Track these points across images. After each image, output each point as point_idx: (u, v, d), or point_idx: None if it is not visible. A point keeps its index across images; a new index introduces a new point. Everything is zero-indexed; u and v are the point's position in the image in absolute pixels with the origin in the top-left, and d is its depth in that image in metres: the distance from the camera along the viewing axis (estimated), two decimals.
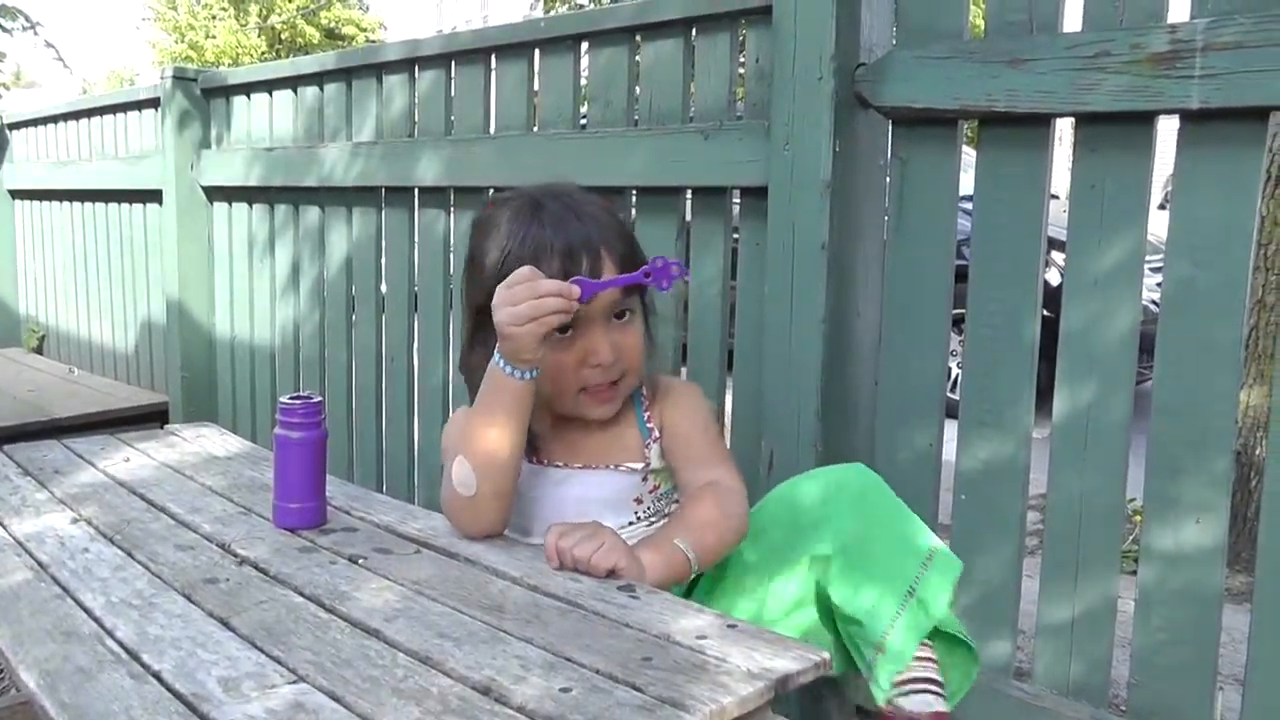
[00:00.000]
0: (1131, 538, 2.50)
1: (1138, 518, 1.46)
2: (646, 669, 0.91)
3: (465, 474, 1.25)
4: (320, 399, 1.37)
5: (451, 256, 2.39)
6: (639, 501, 1.40)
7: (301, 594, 1.14)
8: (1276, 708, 1.35)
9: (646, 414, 1.42)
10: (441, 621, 1.04)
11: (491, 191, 2.26)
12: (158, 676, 0.94)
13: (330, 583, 1.17)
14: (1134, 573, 1.47)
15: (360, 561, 1.24)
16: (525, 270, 1.18)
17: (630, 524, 1.39)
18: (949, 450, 1.61)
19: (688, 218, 1.92)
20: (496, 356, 1.22)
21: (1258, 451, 2.82)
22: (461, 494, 1.26)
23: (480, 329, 1.33)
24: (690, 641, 0.97)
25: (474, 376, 1.33)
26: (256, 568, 1.23)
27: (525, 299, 1.16)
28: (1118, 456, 1.46)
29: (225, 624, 1.06)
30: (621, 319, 1.32)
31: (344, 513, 1.43)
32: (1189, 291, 1.39)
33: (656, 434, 1.41)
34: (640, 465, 1.40)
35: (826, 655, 0.95)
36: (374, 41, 22.16)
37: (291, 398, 1.37)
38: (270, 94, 2.91)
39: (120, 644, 1.01)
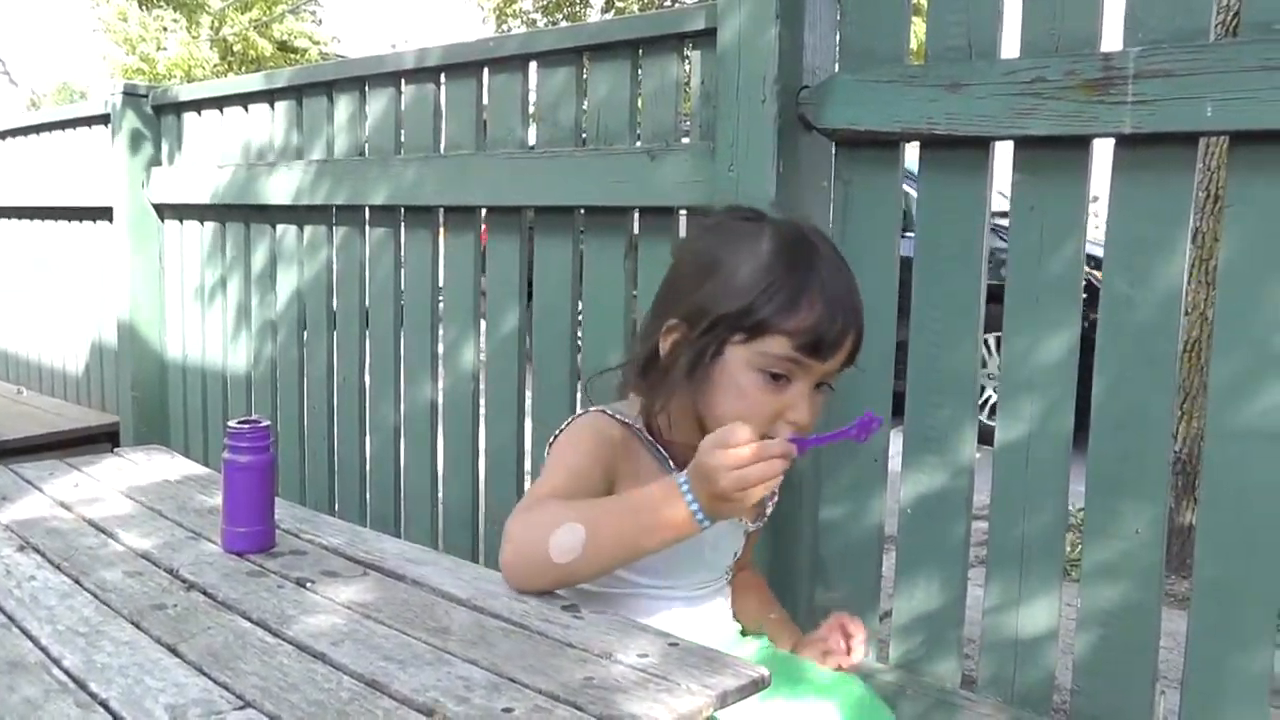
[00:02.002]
0: (1077, 549, 2.54)
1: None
2: (588, 688, 0.93)
3: (572, 546, 1.12)
4: (268, 423, 1.38)
5: (402, 275, 2.40)
6: (734, 556, 1.39)
7: (249, 619, 1.14)
8: (1213, 709, 1.39)
9: None
10: (387, 644, 1.05)
11: (441, 211, 2.27)
12: (105, 705, 0.94)
13: (278, 607, 1.17)
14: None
15: (308, 585, 1.24)
16: (745, 431, 1.07)
17: (718, 578, 1.37)
18: (896, 463, 1.65)
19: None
20: (687, 493, 1.10)
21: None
22: (551, 555, 1.13)
23: (694, 332, 1.22)
24: (632, 660, 0.98)
25: (664, 379, 1.25)
26: (205, 593, 1.23)
27: (752, 460, 1.06)
28: (1060, 469, 1.50)
29: (173, 650, 1.06)
30: (819, 389, 1.24)
31: (293, 535, 1.44)
32: (1125, 309, 1.43)
33: None
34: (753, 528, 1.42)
35: (766, 672, 0.97)
36: (327, 55, 22.02)
37: (239, 422, 1.37)
38: (221, 111, 2.90)
39: (67, 673, 1.01)
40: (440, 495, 2.35)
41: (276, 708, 0.92)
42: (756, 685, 0.95)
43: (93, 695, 0.96)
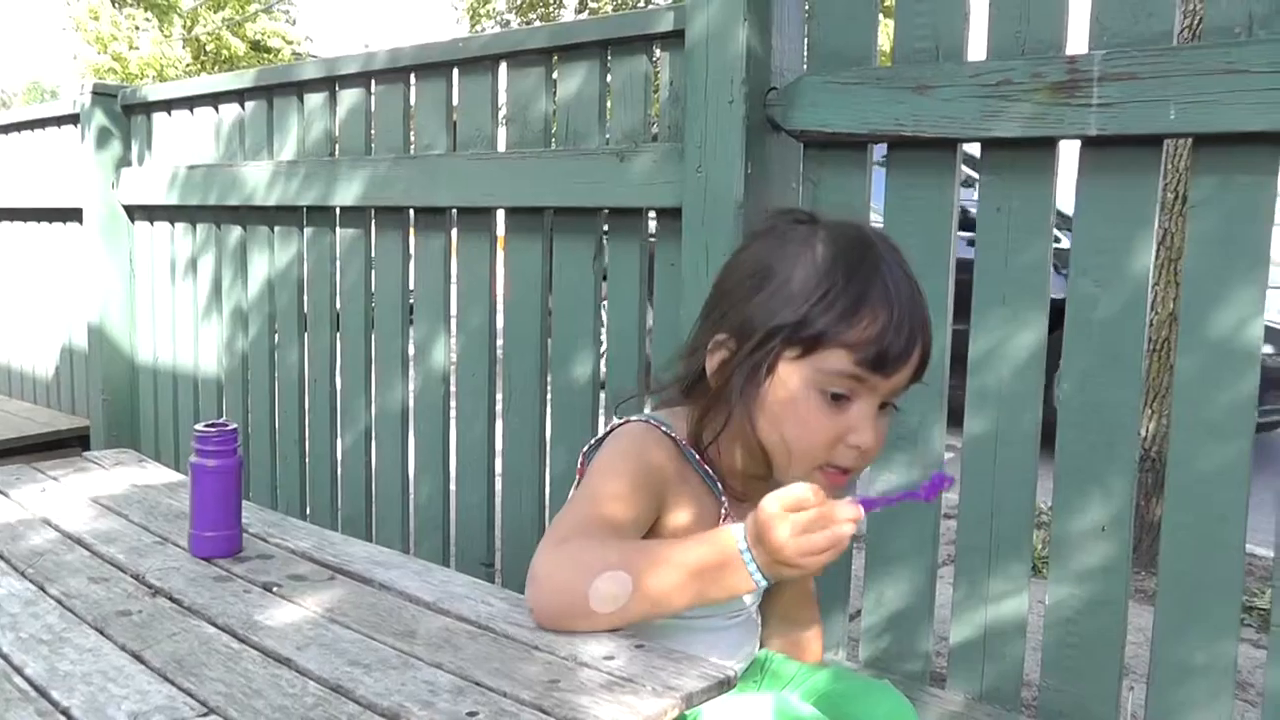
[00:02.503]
0: (1046, 546, 2.56)
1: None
2: (553, 691, 0.93)
3: (615, 595, 1.03)
4: (235, 427, 1.37)
5: (372, 276, 2.39)
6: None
7: (215, 624, 1.14)
8: (1178, 703, 1.40)
9: None
10: (353, 649, 1.05)
11: (411, 212, 2.26)
12: (66, 713, 0.93)
13: (244, 612, 1.17)
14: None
15: (275, 589, 1.24)
16: (810, 493, 0.99)
17: (751, 605, 1.28)
18: None
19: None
20: (750, 561, 1.01)
21: None
22: (591, 604, 1.04)
23: (745, 348, 1.12)
24: (598, 663, 0.99)
25: (715, 400, 1.15)
26: (171, 598, 1.22)
27: (820, 527, 0.98)
28: (1028, 467, 1.51)
29: (137, 657, 1.06)
30: (884, 409, 1.13)
31: (260, 539, 1.43)
32: (1091, 308, 1.44)
33: None
34: None
35: (732, 673, 0.97)
36: (301, 55, 21.88)
37: (207, 425, 1.36)
38: (192, 111, 2.88)
39: (29, 681, 1.00)
40: (411, 497, 2.35)
41: (240, 714, 0.92)
42: (723, 685, 0.95)
43: (54, 703, 0.95)
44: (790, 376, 1.09)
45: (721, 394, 1.13)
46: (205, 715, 0.93)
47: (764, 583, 1.01)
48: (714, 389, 1.15)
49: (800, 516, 0.98)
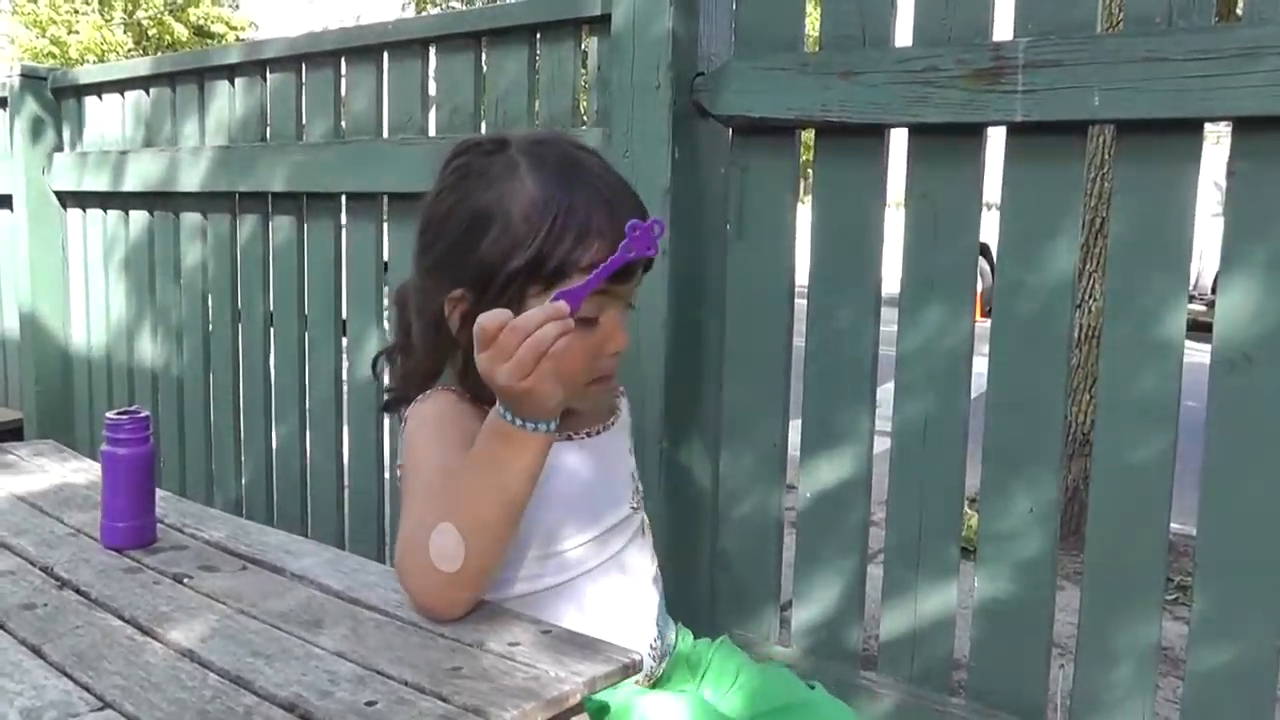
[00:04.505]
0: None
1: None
2: (454, 678, 0.92)
3: (451, 546, 1.00)
4: (147, 414, 1.34)
5: (306, 263, 2.36)
6: (634, 480, 1.29)
7: (121, 617, 1.11)
8: (1103, 679, 1.42)
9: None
10: (257, 639, 1.03)
11: (344, 198, 2.23)
12: None
13: (151, 604, 1.14)
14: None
15: (185, 580, 1.21)
16: (495, 318, 0.96)
17: (624, 516, 1.24)
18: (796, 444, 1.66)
19: None
20: (502, 411, 1.00)
21: None
22: (441, 569, 1.01)
23: (485, 297, 1.09)
24: (502, 649, 0.98)
25: (467, 357, 1.09)
26: (78, 591, 1.20)
27: (516, 343, 0.95)
28: (956, 453, 1.52)
29: (36, 651, 1.03)
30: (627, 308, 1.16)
31: (176, 530, 1.40)
32: (1018, 293, 1.45)
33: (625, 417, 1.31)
34: (622, 423, 1.29)
35: (637, 656, 0.96)
36: (243, 41, 21.53)
37: (118, 413, 1.33)
38: (123, 95, 2.82)
39: None
40: (346, 487, 2.32)
41: (136, 708, 0.90)
42: (627, 670, 0.94)
43: None
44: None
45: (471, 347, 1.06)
46: (100, 710, 0.91)
47: (532, 425, 0.99)
48: (465, 345, 1.09)
49: (493, 349, 0.96)
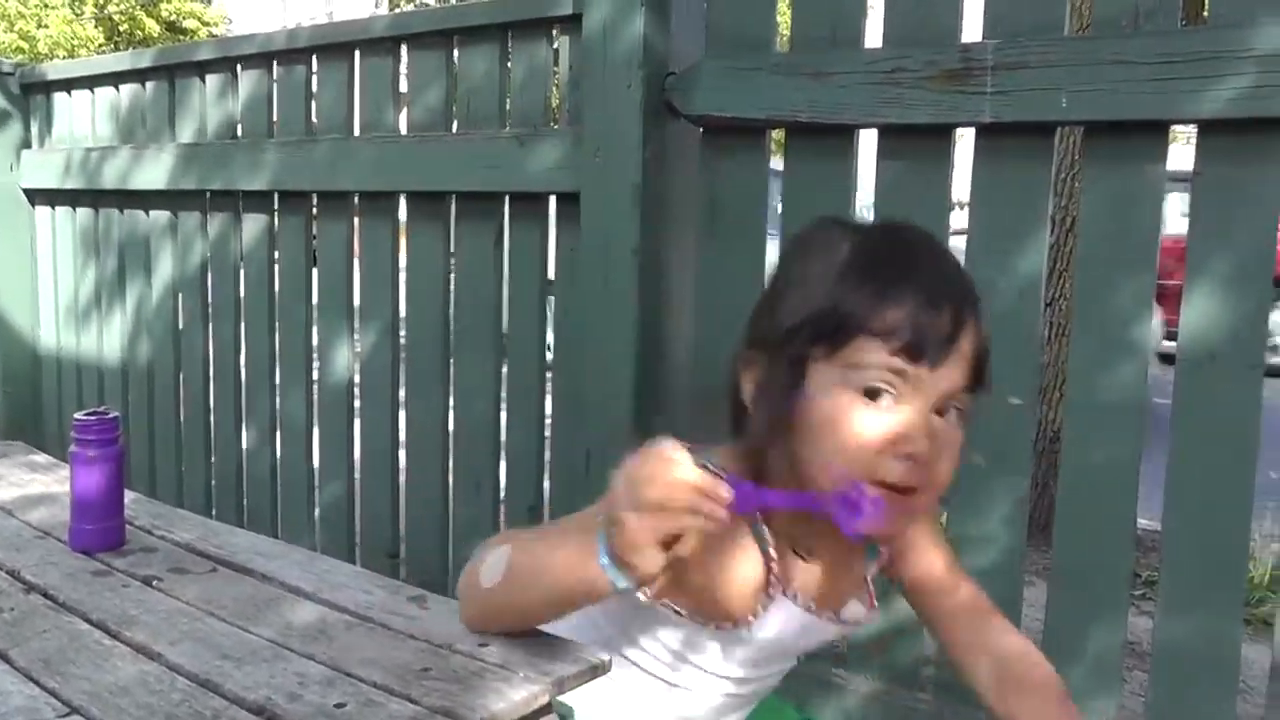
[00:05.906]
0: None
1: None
2: (424, 679, 0.92)
3: (497, 570, 0.94)
4: (116, 414, 1.33)
5: (276, 263, 2.34)
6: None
7: (89, 620, 1.10)
8: (1068, 675, 1.43)
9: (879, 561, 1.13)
10: (226, 642, 1.02)
11: (315, 197, 2.22)
12: None
13: (120, 607, 1.13)
14: None
15: (154, 583, 1.20)
16: (665, 445, 0.82)
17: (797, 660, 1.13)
18: None
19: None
20: (601, 543, 0.86)
21: None
22: (481, 580, 0.96)
23: (772, 361, 0.97)
24: (472, 649, 0.98)
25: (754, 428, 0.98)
26: (45, 595, 1.18)
27: (658, 479, 0.81)
28: None
29: (3, 656, 1.02)
30: (943, 415, 0.93)
31: (145, 532, 1.39)
32: (989, 292, 1.45)
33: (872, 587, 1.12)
34: (862, 622, 1.13)
35: (607, 657, 0.96)
36: (216, 37, 21.33)
37: (86, 414, 1.32)
38: (92, 91, 2.79)
39: None
40: (316, 489, 2.31)
41: (103, 713, 0.89)
42: (595, 670, 0.94)
43: None
44: (821, 380, 0.92)
45: (757, 417, 0.97)
46: (67, 715, 0.90)
47: (605, 561, 0.85)
48: (753, 418, 0.98)
49: (639, 466, 0.82)
